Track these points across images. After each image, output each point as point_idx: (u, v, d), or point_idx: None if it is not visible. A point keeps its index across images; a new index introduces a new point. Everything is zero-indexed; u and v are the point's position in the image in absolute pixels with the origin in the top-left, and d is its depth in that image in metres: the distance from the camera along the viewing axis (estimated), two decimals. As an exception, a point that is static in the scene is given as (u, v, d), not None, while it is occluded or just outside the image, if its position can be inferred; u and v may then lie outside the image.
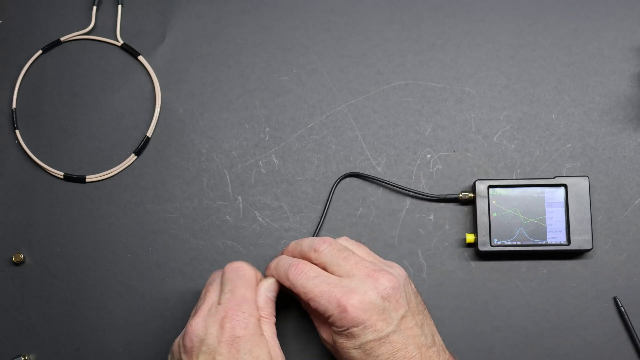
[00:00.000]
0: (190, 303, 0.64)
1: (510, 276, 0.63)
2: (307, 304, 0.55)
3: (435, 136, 0.65)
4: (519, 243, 0.62)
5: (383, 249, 0.64)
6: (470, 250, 0.64)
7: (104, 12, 0.70)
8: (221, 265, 0.65)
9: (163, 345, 0.64)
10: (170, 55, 0.68)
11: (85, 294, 0.65)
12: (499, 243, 0.62)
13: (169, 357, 0.57)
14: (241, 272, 0.56)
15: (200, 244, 0.65)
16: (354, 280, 0.54)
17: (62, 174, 0.67)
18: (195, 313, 0.55)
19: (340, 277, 0.55)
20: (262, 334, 0.54)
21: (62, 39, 0.69)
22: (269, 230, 0.65)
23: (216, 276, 0.58)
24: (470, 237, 0.62)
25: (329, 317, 0.53)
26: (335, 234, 0.64)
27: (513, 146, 0.65)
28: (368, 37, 0.67)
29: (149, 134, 0.67)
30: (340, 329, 0.53)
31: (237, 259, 0.64)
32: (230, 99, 0.67)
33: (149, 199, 0.66)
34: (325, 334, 0.56)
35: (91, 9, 0.69)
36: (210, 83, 0.67)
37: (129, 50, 0.68)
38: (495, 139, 0.65)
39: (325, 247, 0.56)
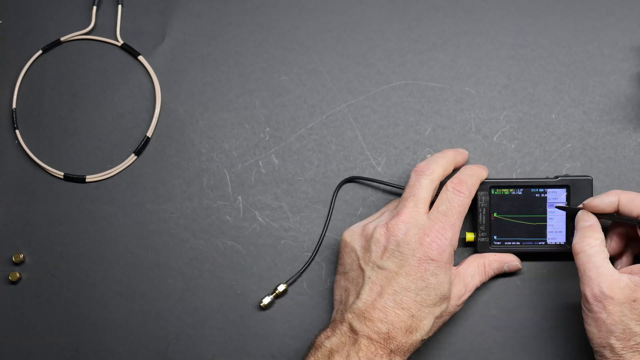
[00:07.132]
0: (190, 303, 0.64)
1: (510, 276, 0.63)
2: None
3: (435, 136, 0.65)
4: (519, 243, 0.62)
5: (383, 249, 0.64)
6: (470, 250, 0.63)
7: (104, 12, 0.69)
8: (221, 266, 0.65)
9: (163, 345, 0.64)
10: (170, 55, 0.68)
11: (85, 294, 0.65)
12: (499, 243, 0.62)
13: (341, 243, 0.59)
14: (465, 190, 0.56)
15: (200, 244, 0.65)
16: None
17: (62, 174, 0.67)
18: (398, 213, 0.55)
19: None
20: (451, 264, 0.55)
21: (62, 39, 0.69)
22: (269, 230, 0.65)
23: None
24: (470, 237, 0.62)
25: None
26: (335, 234, 0.64)
27: (513, 146, 0.65)
28: (368, 37, 0.67)
29: (149, 134, 0.67)
30: None
31: (237, 259, 0.65)
32: (230, 99, 0.67)
33: (149, 199, 0.66)
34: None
35: (91, 9, 0.69)
36: (210, 83, 0.67)
37: (129, 50, 0.68)
38: (495, 139, 0.65)
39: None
